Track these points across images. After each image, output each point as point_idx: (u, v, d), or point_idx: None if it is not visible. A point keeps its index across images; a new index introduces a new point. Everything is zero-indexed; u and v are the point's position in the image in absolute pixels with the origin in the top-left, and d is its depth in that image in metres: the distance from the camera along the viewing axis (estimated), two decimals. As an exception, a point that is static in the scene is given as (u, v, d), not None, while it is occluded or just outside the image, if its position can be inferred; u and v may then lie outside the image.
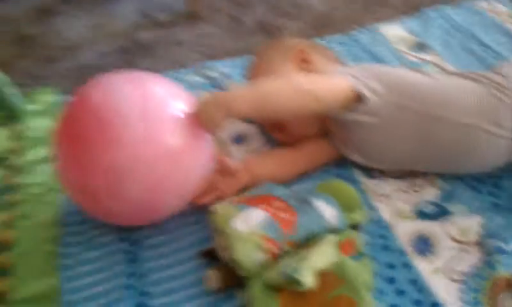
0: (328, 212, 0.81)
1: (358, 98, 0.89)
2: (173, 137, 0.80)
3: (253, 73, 1.06)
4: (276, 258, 0.77)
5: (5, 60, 1.47)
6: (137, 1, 1.75)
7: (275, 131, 1.03)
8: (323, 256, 0.75)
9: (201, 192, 0.89)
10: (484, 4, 1.48)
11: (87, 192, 0.82)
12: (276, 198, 0.84)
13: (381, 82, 0.91)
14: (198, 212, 0.93)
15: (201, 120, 0.81)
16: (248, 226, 0.77)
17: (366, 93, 0.89)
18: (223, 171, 0.93)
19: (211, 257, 0.82)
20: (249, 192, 0.89)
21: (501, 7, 1.46)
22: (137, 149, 0.78)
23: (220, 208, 0.82)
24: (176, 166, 0.81)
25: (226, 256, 0.78)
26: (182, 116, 0.82)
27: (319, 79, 0.90)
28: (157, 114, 0.80)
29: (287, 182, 0.94)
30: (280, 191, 0.86)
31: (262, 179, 0.92)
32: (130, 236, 0.90)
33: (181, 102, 0.84)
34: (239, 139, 1.09)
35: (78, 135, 0.81)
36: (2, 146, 1.11)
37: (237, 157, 1.03)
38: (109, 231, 0.91)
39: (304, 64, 1.02)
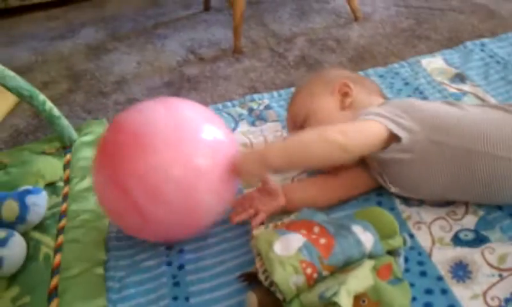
0: (365, 237, 0.82)
1: (392, 137, 0.91)
2: (202, 151, 0.87)
3: (294, 105, 1.09)
4: (314, 281, 0.78)
5: (60, 94, 1.56)
6: (185, 38, 1.82)
7: None
8: (360, 279, 0.76)
9: (238, 208, 0.93)
10: (527, 36, 1.47)
11: (128, 205, 0.85)
12: (315, 224, 0.86)
13: (415, 118, 0.92)
14: (240, 237, 0.96)
15: (240, 172, 0.89)
16: (288, 250, 0.80)
17: (399, 132, 0.90)
18: (262, 189, 0.96)
19: (252, 280, 0.85)
20: (289, 217, 0.92)
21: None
22: (170, 152, 0.84)
23: (262, 233, 0.85)
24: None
25: (266, 279, 0.80)
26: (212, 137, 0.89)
27: (351, 129, 0.91)
28: (188, 133, 0.87)
29: (325, 208, 0.96)
30: (319, 217, 0.88)
31: (299, 204, 0.94)
32: (174, 260, 0.94)
33: (212, 124, 0.91)
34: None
35: (114, 152, 0.87)
36: (57, 175, 1.18)
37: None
38: (154, 255, 0.95)
39: (345, 97, 1.04)
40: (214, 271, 0.92)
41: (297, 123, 1.06)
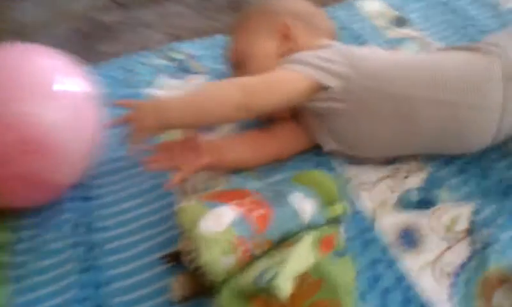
0: (306, 206, 0.73)
1: (320, 86, 0.83)
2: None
3: (230, 42, 0.98)
4: (248, 260, 0.68)
5: None
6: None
7: None
8: (301, 258, 0.66)
9: (155, 159, 0.81)
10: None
11: None
12: (249, 192, 0.75)
13: (350, 64, 0.84)
14: (161, 211, 0.84)
15: (132, 119, 0.77)
16: (217, 226, 0.69)
17: (329, 80, 0.82)
18: (183, 143, 0.84)
19: (177, 261, 0.74)
20: (220, 188, 0.81)
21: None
22: None
23: (188, 207, 0.73)
24: None
25: (191, 262, 0.69)
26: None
27: (256, 83, 0.82)
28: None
29: (256, 167, 0.87)
30: (253, 184, 0.79)
31: (228, 162, 0.86)
32: (83, 241, 0.81)
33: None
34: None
35: None
36: None
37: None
38: (60, 235, 0.82)
39: (285, 41, 0.93)
40: (132, 252, 0.79)
41: (234, 61, 0.96)
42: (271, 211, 0.71)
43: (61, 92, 0.79)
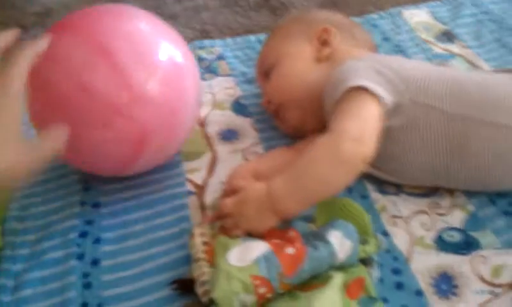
0: (342, 247, 0.65)
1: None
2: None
3: (265, 45, 0.95)
4: (266, 302, 0.62)
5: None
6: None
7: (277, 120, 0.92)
8: (327, 302, 0.60)
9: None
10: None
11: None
12: (291, 229, 0.69)
13: (399, 76, 0.77)
14: (173, 226, 0.78)
15: (238, 214, 0.69)
16: (242, 261, 0.62)
17: (384, 94, 0.74)
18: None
19: (187, 290, 0.67)
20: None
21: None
22: None
23: (222, 239, 0.67)
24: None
25: (204, 294, 0.63)
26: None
27: (359, 125, 0.72)
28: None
29: None
30: (299, 224, 0.71)
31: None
32: (87, 252, 0.75)
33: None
34: (228, 135, 0.93)
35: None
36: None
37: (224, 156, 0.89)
38: (63, 243, 0.75)
39: (324, 46, 0.88)
40: (138, 269, 0.72)
41: (263, 68, 0.91)
42: (304, 251, 0.64)
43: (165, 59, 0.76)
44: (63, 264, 0.73)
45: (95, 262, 0.73)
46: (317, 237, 0.66)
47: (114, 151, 0.75)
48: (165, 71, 0.74)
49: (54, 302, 0.69)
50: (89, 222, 0.78)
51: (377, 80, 0.75)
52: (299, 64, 0.87)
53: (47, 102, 0.72)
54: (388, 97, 0.74)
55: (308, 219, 0.73)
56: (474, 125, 0.75)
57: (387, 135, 0.75)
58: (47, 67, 0.70)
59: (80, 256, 0.74)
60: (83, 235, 0.77)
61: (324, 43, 0.88)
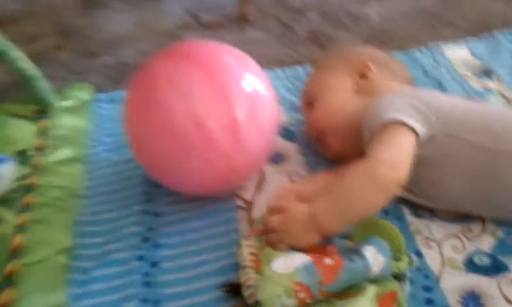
0: (376, 261, 0.71)
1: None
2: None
3: (310, 78, 1.02)
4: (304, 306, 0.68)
5: (44, 50, 1.43)
6: (186, 0, 1.68)
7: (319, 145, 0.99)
8: None
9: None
10: None
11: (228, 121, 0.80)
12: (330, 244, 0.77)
13: (432, 108, 0.83)
14: (225, 236, 0.85)
15: (282, 230, 0.77)
16: (285, 268, 0.69)
17: (417, 127, 0.80)
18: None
19: (235, 293, 0.74)
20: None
21: None
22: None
23: (268, 251, 0.75)
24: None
25: (251, 296, 0.70)
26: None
27: (393, 153, 0.79)
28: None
29: None
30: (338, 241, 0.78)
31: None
32: (148, 255, 0.83)
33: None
34: (276, 158, 1.00)
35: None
36: (29, 142, 1.06)
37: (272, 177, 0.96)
38: (127, 246, 0.84)
39: (363, 79, 0.94)
40: (193, 272, 0.80)
41: (308, 98, 0.98)
42: (342, 262, 0.70)
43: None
44: (127, 264, 0.82)
45: (155, 264, 0.82)
46: (353, 252, 0.72)
47: (204, 179, 0.84)
48: (265, 125, 0.84)
49: (118, 297, 0.77)
50: (150, 229, 0.87)
51: (411, 113, 0.81)
52: (340, 96, 0.94)
53: (157, 122, 0.80)
54: (421, 129, 0.80)
55: (346, 236, 0.79)
56: (504, 157, 0.79)
57: (422, 164, 0.81)
58: (167, 91, 0.79)
59: (142, 258, 0.82)
60: (145, 240, 0.85)
61: (364, 76, 0.94)
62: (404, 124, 0.80)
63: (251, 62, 0.88)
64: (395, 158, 0.78)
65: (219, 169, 0.82)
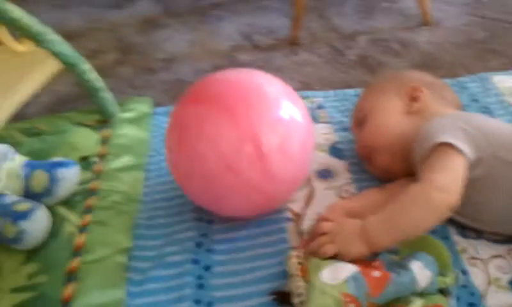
0: (422, 276, 0.73)
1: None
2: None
3: (362, 98, 1.05)
4: None
5: (105, 65, 1.51)
6: (241, 22, 1.75)
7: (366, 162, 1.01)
8: None
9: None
10: None
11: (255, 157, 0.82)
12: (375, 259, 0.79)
13: (481, 132, 0.85)
14: (275, 244, 0.89)
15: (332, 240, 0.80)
16: (334, 279, 0.72)
17: (465, 149, 0.83)
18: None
19: (283, 301, 0.78)
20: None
21: None
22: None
23: (315, 261, 0.77)
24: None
25: (301, 304, 0.73)
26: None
27: (444, 177, 0.81)
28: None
29: None
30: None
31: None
32: (201, 259, 0.87)
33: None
34: (325, 174, 1.04)
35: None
36: (92, 149, 1.13)
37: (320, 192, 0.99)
38: (182, 250, 0.89)
39: (414, 102, 0.97)
40: (243, 278, 0.84)
41: (358, 117, 1.01)
42: (388, 276, 0.72)
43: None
44: (181, 266, 0.86)
45: (207, 268, 0.86)
46: (400, 266, 0.75)
47: (245, 210, 0.90)
48: (296, 152, 0.86)
49: (173, 297, 0.82)
50: (203, 235, 0.92)
51: (461, 136, 0.84)
52: (391, 117, 0.97)
53: (193, 171, 0.85)
54: (470, 152, 0.83)
55: (393, 252, 0.82)
56: None
57: (470, 186, 0.83)
58: (197, 140, 0.82)
59: (195, 262, 0.87)
60: (198, 245, 0.90)
61: (414, 99, 0.97)
62: (454, 147, 0.82)
63: (286, 90, 0.91)
64: (447, 182, 0.81)
65: (256, 200, 0.86)
